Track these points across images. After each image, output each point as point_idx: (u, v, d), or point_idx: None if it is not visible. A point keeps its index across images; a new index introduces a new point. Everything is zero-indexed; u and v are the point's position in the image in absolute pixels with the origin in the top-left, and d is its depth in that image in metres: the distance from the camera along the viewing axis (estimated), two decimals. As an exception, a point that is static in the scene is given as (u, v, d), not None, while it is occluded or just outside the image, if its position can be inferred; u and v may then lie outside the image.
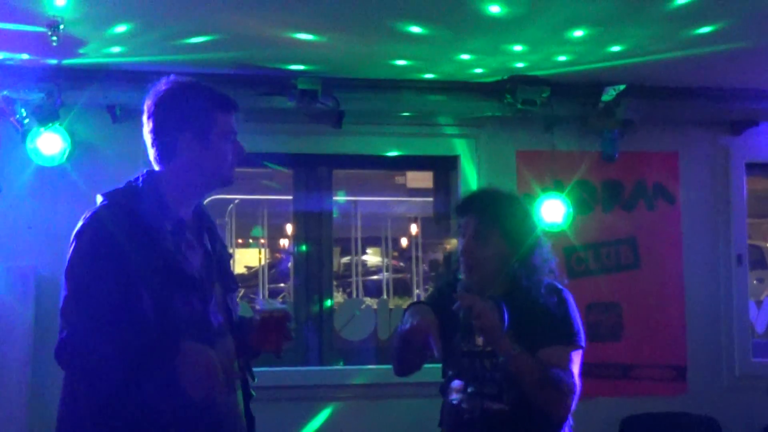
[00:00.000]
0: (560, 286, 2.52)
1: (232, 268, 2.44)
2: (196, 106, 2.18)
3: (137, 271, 2.03)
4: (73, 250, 2.05)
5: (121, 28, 3.31)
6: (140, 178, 2.21)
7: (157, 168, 2.22)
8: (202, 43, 3.50)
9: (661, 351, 4.59)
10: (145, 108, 2.21)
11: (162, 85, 2.21)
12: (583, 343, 2.47)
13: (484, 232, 2.46)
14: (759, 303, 4.98)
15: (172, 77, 2.24)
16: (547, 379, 2.34)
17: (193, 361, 1.96)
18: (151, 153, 2.22)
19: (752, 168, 4.80)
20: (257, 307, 2.42)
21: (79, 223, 2.09)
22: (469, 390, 2.48)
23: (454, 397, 2.53)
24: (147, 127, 2.21)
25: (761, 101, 4.52)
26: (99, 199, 2.15)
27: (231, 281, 2.37)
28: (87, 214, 2.10)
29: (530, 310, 2.43)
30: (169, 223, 2.16)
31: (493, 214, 2.48)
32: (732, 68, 4.09)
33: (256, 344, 2.29)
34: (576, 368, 2.43)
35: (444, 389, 2.61)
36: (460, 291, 2.39)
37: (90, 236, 2.05)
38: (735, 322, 4.66)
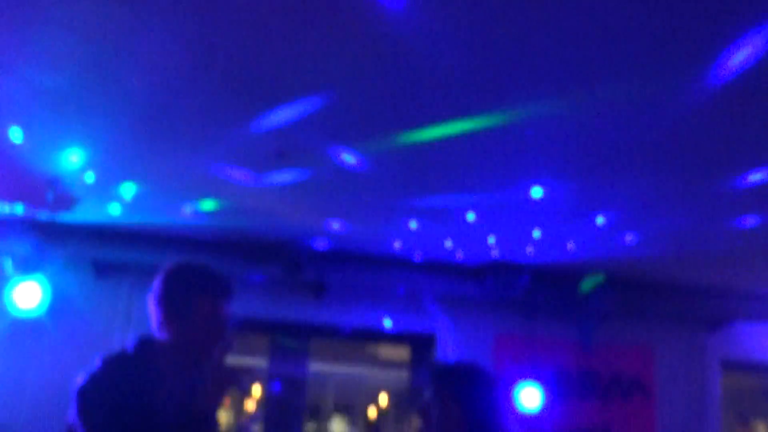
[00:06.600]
0: None
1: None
2: (189, 289, 2.29)
3: None
4: (79, 406, 2.10)
5: (117, 192, 3.38)
6: (133, 346, 2.26)
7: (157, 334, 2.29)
8: (195, 210, 3.58)
9: None
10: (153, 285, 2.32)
11: (168, 267, 2.33)
12: None
13: (439, 397, 2.45)
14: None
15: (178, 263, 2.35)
16: None
17: None
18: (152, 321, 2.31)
19: (728, 365, 4.82)
20: None
21: (78, 382, 2.13)
22: None
23: None
24: (152, 298, 2.31)
25: (736, 300, 4.61)
26: (96, 362, 2.19)
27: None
28: (82, 375, 2.14)
29: None
30: (162, 390, 2.18)
31: (448, 381, 2.48)
32: (707, 267, 4.20)
33: None
34: None
35: None
36: None
37: (93, 395, 2.10)
38: None
